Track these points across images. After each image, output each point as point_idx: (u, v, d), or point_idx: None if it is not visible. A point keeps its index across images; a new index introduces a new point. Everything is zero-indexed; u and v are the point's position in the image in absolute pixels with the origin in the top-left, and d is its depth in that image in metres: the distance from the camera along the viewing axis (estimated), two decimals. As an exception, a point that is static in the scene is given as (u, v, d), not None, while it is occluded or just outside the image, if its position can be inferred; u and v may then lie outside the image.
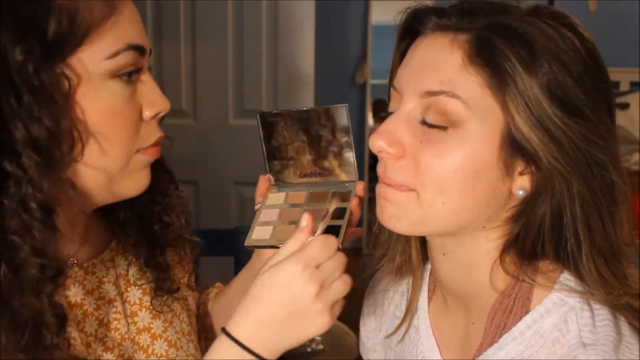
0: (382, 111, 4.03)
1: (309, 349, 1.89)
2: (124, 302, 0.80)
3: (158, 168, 0.79)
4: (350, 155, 0.76)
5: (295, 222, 0.72)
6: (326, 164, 0.78)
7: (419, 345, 0.80)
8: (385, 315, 0.89)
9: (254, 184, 0.83)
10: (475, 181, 0.65)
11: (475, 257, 0.71)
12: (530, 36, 0.62)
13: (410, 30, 0.71)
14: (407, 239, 0.79)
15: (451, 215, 0.66)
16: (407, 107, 0.67)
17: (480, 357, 0.70)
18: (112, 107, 0.68)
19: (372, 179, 0.74)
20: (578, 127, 0.62)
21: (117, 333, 0.77)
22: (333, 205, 0.73)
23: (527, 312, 0.68)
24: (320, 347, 1.91)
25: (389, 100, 0.73)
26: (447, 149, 0.64)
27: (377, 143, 0.67)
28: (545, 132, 0.62)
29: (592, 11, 3.88)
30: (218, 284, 1.02)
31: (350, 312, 0.84)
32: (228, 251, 2.01)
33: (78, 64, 0.66)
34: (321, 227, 0.69)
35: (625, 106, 3.55)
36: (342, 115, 0.75)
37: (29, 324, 0.61)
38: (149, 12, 2.62)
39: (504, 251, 0.69)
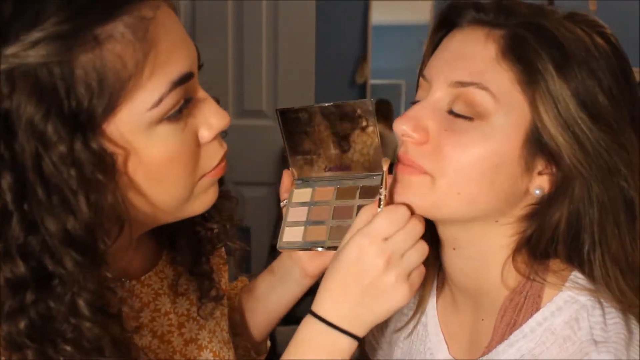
0: (382, 111, 4.02)
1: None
2: (175, 313, 0.77)
3: None
4: (376, 148, 0.76)
5: (325, 222, 0.73)
6: (351, 157, 0.78)
7: (427, 342, 0.80)
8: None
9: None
10: (494, 175, 0.65)
11: (486, 254, 0.71)
12: (565, 40, 0.64)
13: (446, 22, 0.72)
14: None
15: (464, 205, 0.67)
16: (435, 96, 0.68)
17: (489, 354, 0.70)
18: (165, 155, 0.59)
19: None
20: (602, 134, 0.64)
21: (169, 346, 0.74)
22: (385, 189, 0.70)
23: (537, 309, 0.67)
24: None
25: (417, 90, 0.73)
26: (470, 140, 0.65)
27: (401, 127, 0.67)
28: (571, 133, 0.63)
29: (592, 11, 3.88)
30: (242, 278, 0.98)
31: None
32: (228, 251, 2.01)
33: (116, 131, 0.55)
34: (383, 199, 0.68)
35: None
36: (368, 109, 0.75)
37: None
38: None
39: (516, 250, 0.69)
